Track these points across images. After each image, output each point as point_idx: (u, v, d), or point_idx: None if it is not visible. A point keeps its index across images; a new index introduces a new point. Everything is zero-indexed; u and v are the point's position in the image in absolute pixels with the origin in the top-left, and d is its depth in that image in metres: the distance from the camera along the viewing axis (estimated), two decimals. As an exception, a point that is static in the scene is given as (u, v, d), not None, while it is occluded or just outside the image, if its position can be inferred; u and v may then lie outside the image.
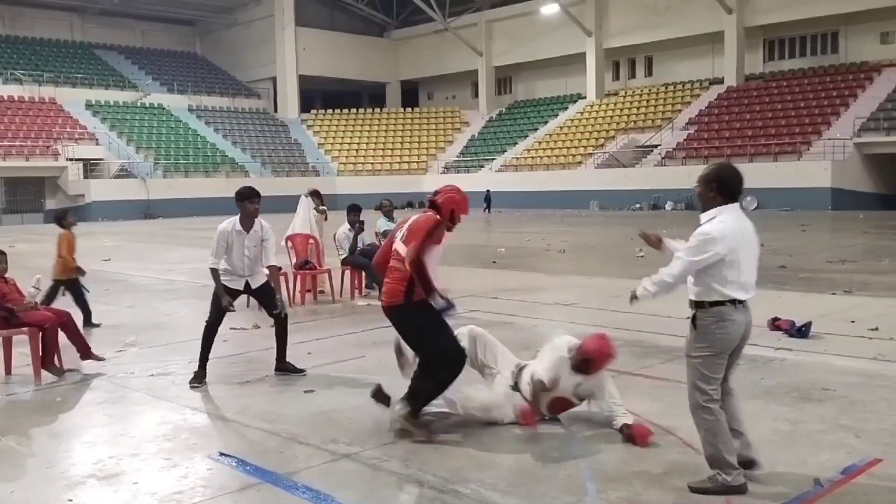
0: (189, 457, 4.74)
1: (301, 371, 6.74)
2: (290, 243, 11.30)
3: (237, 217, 6.63)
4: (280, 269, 7.17)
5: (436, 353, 4.99)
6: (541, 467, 4.45)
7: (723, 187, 4.02)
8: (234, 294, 6.75)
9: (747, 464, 4.10)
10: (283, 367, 6.76)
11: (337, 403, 5.83)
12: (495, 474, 4.32)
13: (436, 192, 5.25)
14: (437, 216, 5.08)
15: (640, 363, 6.81)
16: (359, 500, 4.05)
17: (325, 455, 4.71)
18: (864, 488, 4.03)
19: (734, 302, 3.96)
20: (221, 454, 4.72)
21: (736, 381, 4.32)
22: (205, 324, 6.69)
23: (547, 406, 5.17)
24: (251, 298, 7.86)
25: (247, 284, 6.73)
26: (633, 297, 4.20)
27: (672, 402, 5.60)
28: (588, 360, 5.02)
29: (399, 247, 5.05)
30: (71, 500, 4.14)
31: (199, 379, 6.47)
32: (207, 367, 6.80)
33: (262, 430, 5.22)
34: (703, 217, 4.06)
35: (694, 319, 4.03)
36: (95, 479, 4.43)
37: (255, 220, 6.64)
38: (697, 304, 4.02)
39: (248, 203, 6.56)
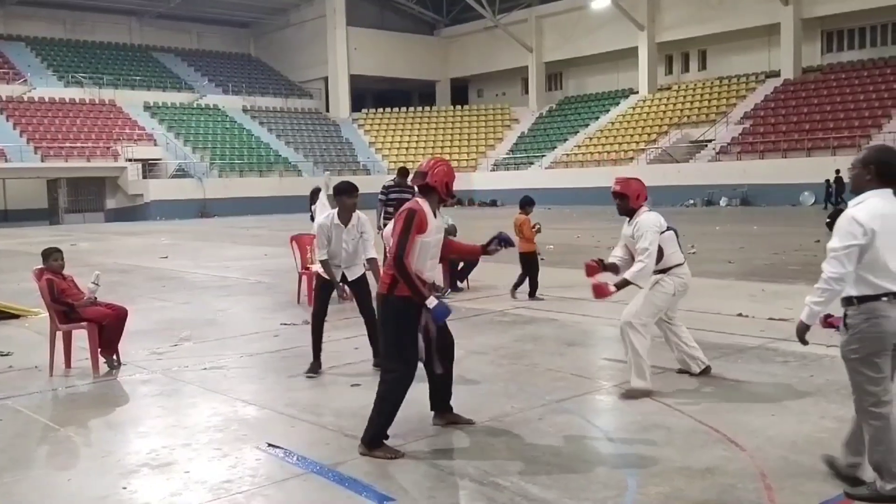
0: (238, 447, 4.87)
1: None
2: (294, 244, 10.89)
3: (335, 211, 6.74)
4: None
5: (391, 358, 4.75)
6: (581, 462, 4.47)
7: (882, 171, 3.75)
8: (331, 285, 6.81)
9: (852, 480, 3.96)
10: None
11: (382, 397, 5.91)
12: (536, 468, 4.36)
13: (424, 175, 4.84)
14: (411, 206, 4.76)
15: (686, 360, 6.75)
16: (401, 492, 4.12)
17: (370, 447, 4.80)
18: (912, 487, 3.95)
19: (889, 295, 3.65)
20: (270, 445, 4.84)
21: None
22: (311, 315, 6.84)
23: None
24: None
25: (343, 276, 6.81)
26: (804, 328, 3.86)
27: (718, 399, 5.59)
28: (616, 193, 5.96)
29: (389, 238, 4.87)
30: (125, 488, 4.30)
31: (314, 369, 6.63)
32: (259, 360, 6.96)
33: (310, 423, 5.34)
34: (852, 202, 3.82)
35: (844, 318, 3.75)
36: (149, 467, 4.59)
37: (354, 213, 6.74)
38: (846, 301, 3.74)
39: (345, 197, 6.66)
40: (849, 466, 4.00)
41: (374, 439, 4.67)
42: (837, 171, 29.35)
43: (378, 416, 4.70)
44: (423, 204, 4.78)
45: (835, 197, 29.29)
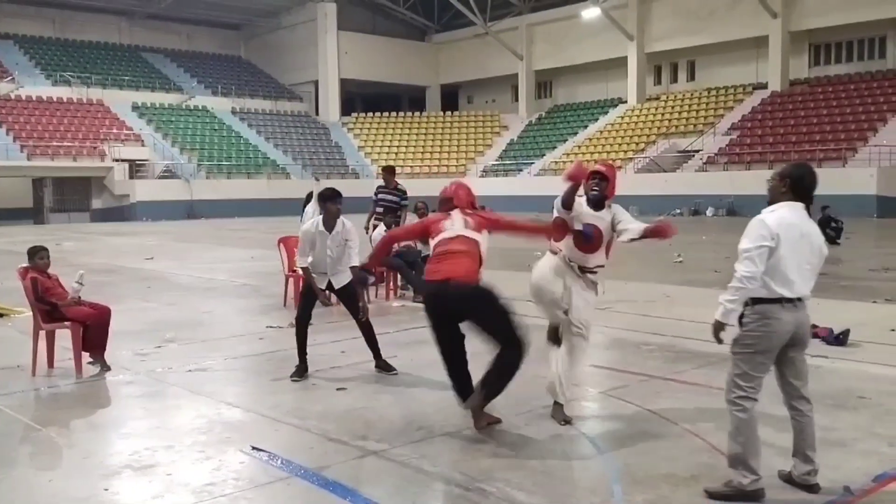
0: (222, 450, 4.84)
1: (393, 370, 6.72)
2: (281, 247, 10.88)
3: (320, 218, 6.70)
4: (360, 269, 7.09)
5: (516, 331, 5.09)
6: (567, 468, 4.47)
7: (796, 185, 4.03)
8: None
9: (808, 488, 4.07)
10: (379, 365, 6.78)
11: (368, 401, 5.90)
12: (521, 474, 4.35)
13: (449, 200, 5.64)
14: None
15: (672, 368, 6.77)
16: (386, 497, 4.10)
17: (355, 451, 4.77)
18: (894, 496, 3.98)
19: (781, 300, 3.90)
20: (254, 448, 4.81)
21: (810, 394, 4.22)
22: (294, 319, 6.81)
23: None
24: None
25: (329, 284, 6.78)
26: (720, 326, 4.01)
27: (703, 406, 5.59)
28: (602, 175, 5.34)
29: (468, 233, 5.36)
30: (106, 490, 4.26)
31: (299, 373, 6.57)
32: (245, 362, 6.91)
33: (294, 426, 5.31)
34: (765, 210, 4.05)
35: (741, 317, 3.97)
36: (131, 469, 4.55)
37: (338, 220, 6.69)
38: (753, 300, 3.95)
39: (330, 204, 6.63)
40: (804, 475, 4.09)
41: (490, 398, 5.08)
42: None
43: (500, 383, 5.07)
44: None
45: None
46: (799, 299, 3.96)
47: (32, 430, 5.40)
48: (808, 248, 4.00)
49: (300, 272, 6.95)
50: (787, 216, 3.95)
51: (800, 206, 4.02)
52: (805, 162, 4.13)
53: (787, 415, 4.19)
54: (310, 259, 6.71)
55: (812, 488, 4.04)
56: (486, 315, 5.04)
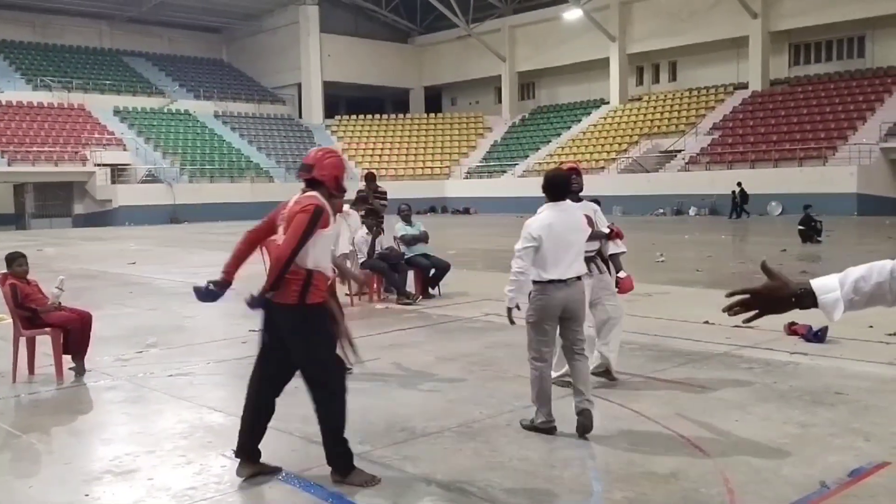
0: (204, 454, 4.84)
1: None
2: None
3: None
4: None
5: (324, 374, 4.50)
6: (547, 467, 4.49)
7: (545, 188, 5.08)
8: None
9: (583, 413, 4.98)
10: None
11: (350, 403, 5.81)
12: (502, 474, 4.37)
13: (309, 168, 4.39)
14: (317, 202, 4.28)
15: (654, 366, 6.82)
16: (368, 498, 4.11)
17: (337, 454, 4.77)
18: (870, 490, 4.03)
19: (552, 282, 4.94)
20: (235, 452, 4.80)
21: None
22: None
23: None
24: None
25: None
26: (508, 311, 5.06)
27: (683, 405, 5.64)
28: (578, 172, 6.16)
29: (279, 237, 4.46)
30: (87, 495, 4.25)
31: None
32: (227, 366, 6.88)
33: (276, 429, 5.26)
34: (538, 212, 5.08)
35: (529, 295, 5.05)
36: (112, 475, 4.53)
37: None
38: (534, 282, 5.00)
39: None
40: (576, 404, 4.99)
41: (349, 465, 4.34)
42: (739, 184, 31.76)
43: (335, 443, 4.37)
44: (321, 199, 4.33)
45: (739, 207, 31.64)
46: (566, 280, 4.96)
47: (13, 437, 5.36)
48: (570, 234, 5.00)
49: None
50: (546, 218, 4.95)
51: (563, 203, 5.06)
52: (554, 169, 5.44)
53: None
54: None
55: (583, 413, 4.92)
56: (295, 342, 4.65)
